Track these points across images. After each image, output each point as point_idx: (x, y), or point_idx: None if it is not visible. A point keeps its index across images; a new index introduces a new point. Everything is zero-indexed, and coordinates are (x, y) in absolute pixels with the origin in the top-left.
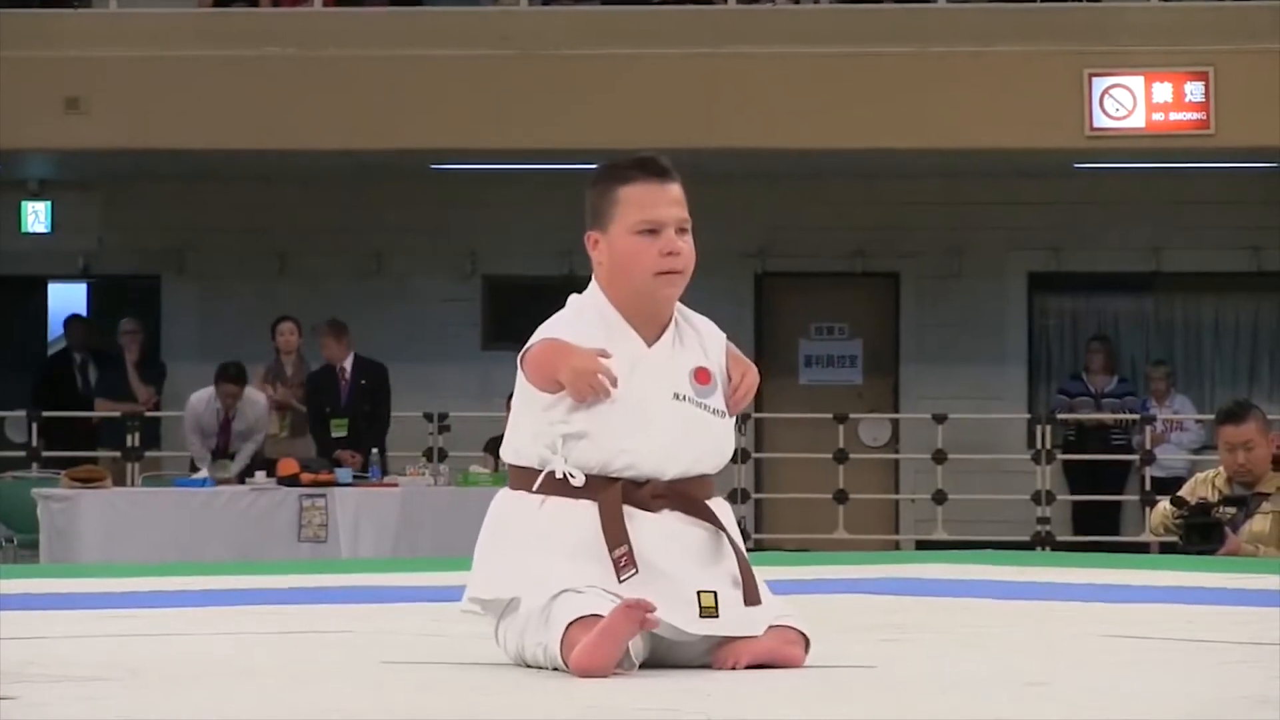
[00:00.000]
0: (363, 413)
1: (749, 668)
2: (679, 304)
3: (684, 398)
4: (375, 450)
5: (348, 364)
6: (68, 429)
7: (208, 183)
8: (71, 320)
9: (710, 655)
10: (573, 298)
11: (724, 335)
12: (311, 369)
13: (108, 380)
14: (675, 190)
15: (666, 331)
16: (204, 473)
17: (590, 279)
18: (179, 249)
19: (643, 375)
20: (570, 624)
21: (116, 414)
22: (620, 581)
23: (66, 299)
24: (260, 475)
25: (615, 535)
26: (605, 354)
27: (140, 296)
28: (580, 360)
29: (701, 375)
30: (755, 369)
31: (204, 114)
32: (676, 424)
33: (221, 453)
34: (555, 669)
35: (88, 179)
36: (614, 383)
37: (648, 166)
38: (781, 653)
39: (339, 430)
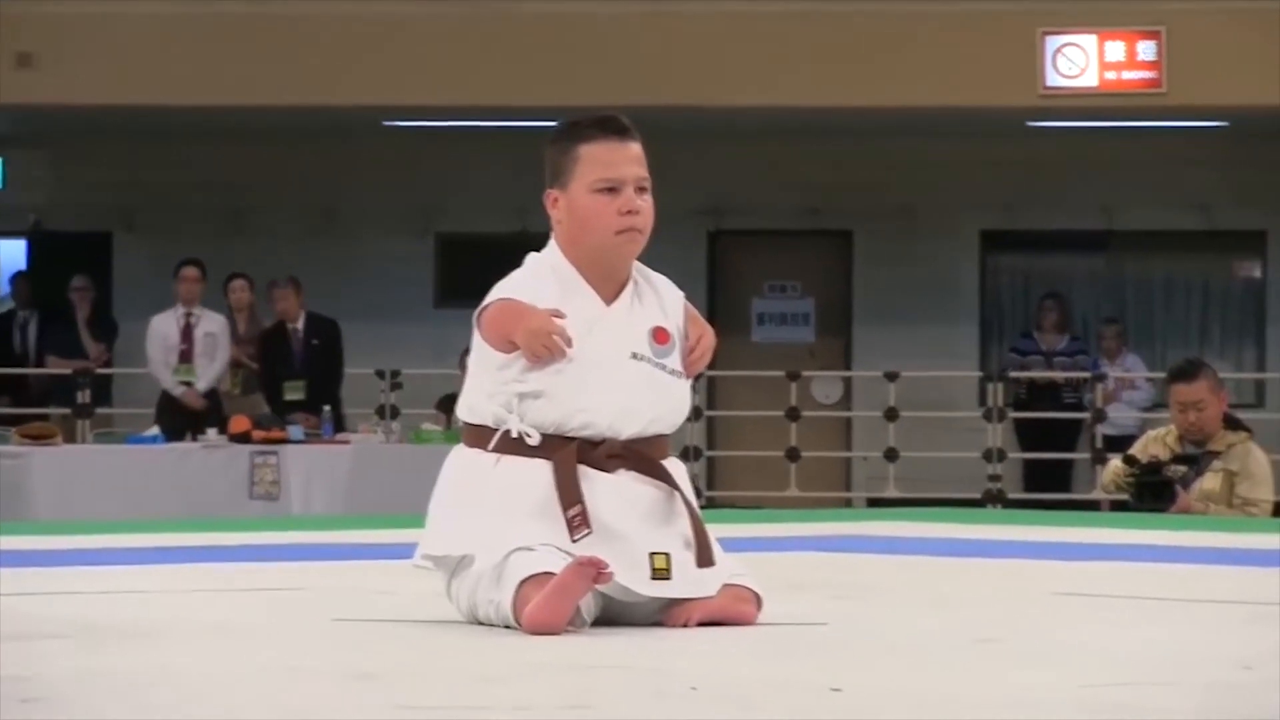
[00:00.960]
0: (317, 373)
1: (701, 625)
2: (638, 263)
3: (642, 357)
4: (327, 408)
5: (300, 323)
6: (18, 385)
7: (159, 139)
8: (16, 277)
9: (662, 614)
10: (530, 256)
11: (682, 295)
12: (264, 324)
13: (58, 337)
14: (635, 149)
15: (625, 290)
16: (171, 383)
17: (547, 237)
18: (130, 206)
19: (600, 334)
20: (523, 581)
21: (68, 371)
22: (573, 541)
23: (16, 256)
24: (212, 433)
25: (569, 495)
26: (560, 314)
27: (91, 254)
28: (535, 321)
29: (660, 335)
30: (712, 331)
31: (155, 70)
32: (634, 383)
33: (185, 360)
34: (507, 626)
35: (39, 136)
36: (569, 343)
37: (608, 125)
38: (733, 610)
39: (294, 393)
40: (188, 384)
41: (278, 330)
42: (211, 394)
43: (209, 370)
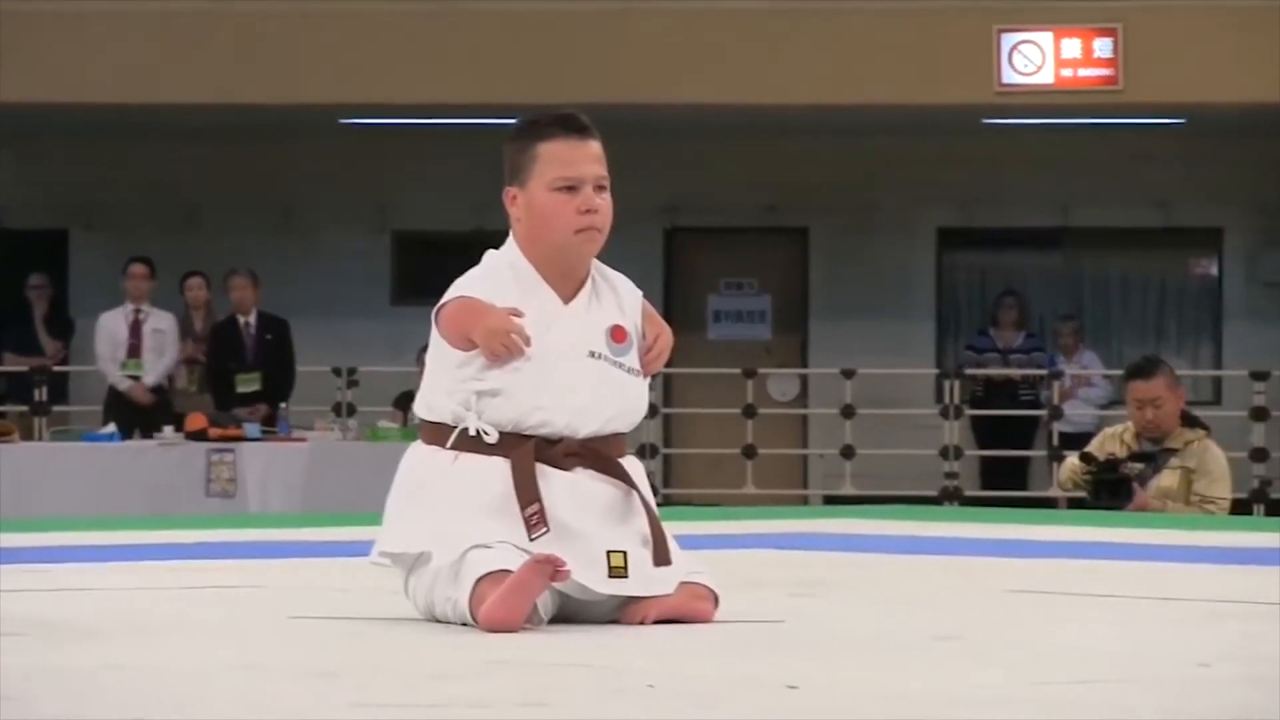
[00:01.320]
0: (271, 367)
1: (657, 623)
2: (596, 261)
3: (599, 355)
4: (284, 405)
5: (252, 318)
6: None
7: (116, 137)
8: None
9: (619, 612)
10: (488, 254)
11: (640, 293)
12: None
13: (16, 335)
14: (595, 147)
15: (584, 289)
16: (118, 378)
17: (504, 234)
18: (87, 204)
19: (558, 333)
20: (479, 579)
21: (24, 368)
22: (531, 540)
23: None
24: (168, 430)
25: (527, 493)
26: (518, 313)
27: (49, 251)
28: (494, 320)
29: (618, 333)
30: (670, 330)
31: (113, 69)
32: (591, 382)
33: (133, 355)
34: (465, 624)
35: None
36: (527, 342)
37: (568, 123)
38: (690, 608)
39: (249, 385)
40: (135, 378)
41: (229, 325)
42: (159, 390)
43: (157, 365)
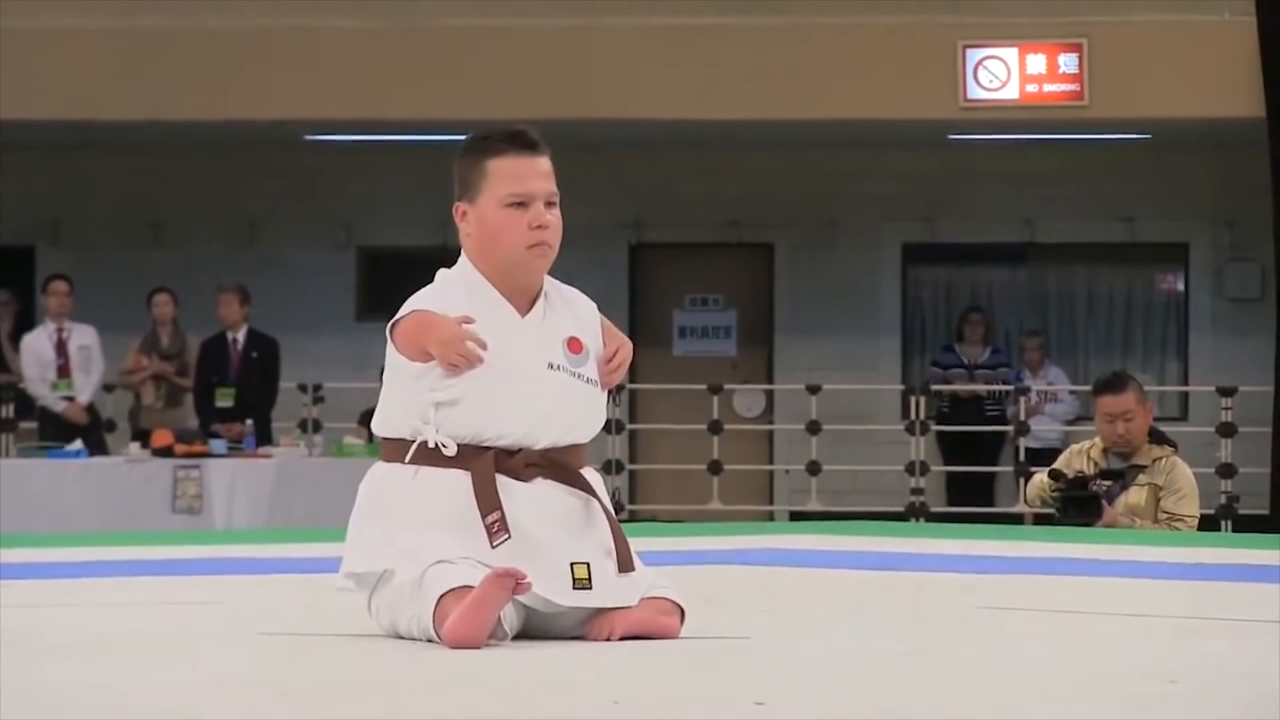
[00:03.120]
0: (250, 385)
1: (623, 639)
2: (549, 276)
3: (557, 366)
4: (250, 422)
5: (240, 334)
6: None
7: (81, 153)
8: None
9: (584, 626)
10: (440, 272)
11: (595, 306)
12: (187, 338)
13: None
14: (544, 163)
15: (538, 303)
16: (50, 400)
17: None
18: (53, 219)
19: (515, 344)
20: (442, 595)
21: None
22: (493, 547)
23: None
24: (134, 447)
25: (488, 501)
26: (470, 320)
27: (14, 267)
28: (446, 330)
29: (574, 344)
30: (629, 343)
31: (78, 85)
32: (549, 392)
33: (63, 375)
34: (429, 640)
35: None
36: (483, 346)
37: (517, 139)
38: (656, 623)
39: (225, 399)
40: (69, 399)
41: (218, 341)
42: (91, 406)
43: (87, 383)
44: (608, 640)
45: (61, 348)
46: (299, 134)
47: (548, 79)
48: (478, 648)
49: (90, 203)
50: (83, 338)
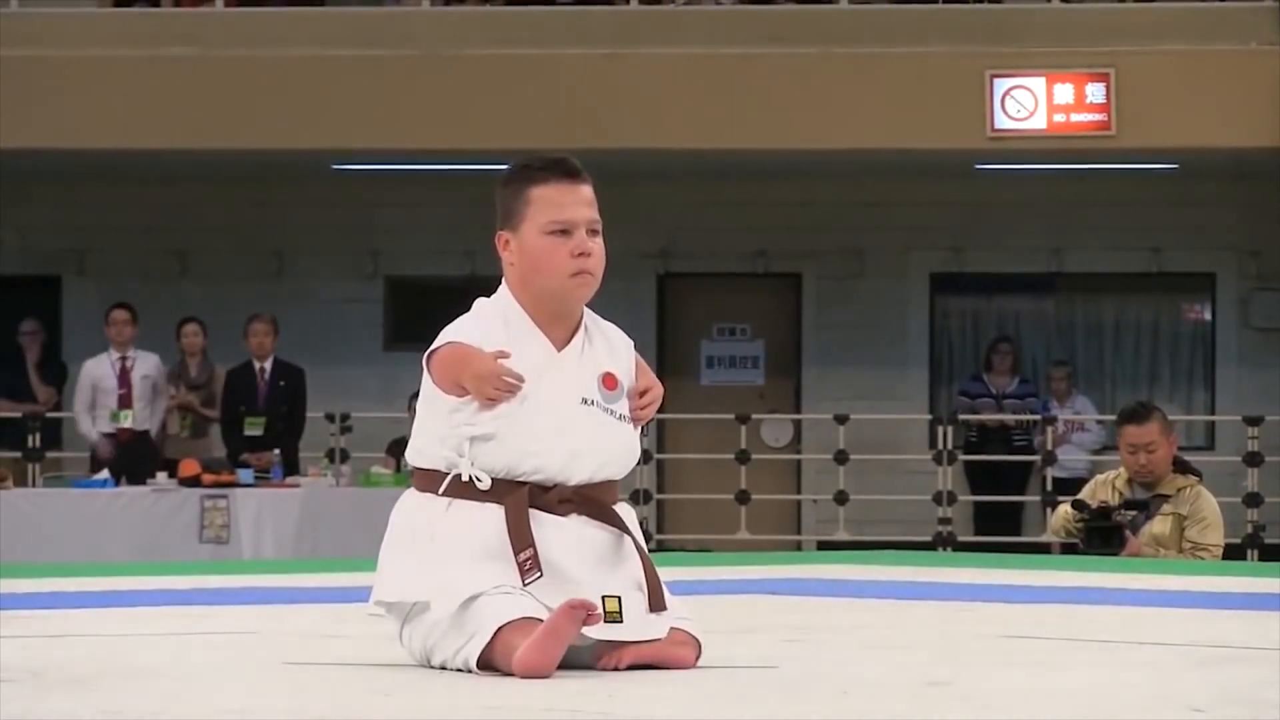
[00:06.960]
0: (279, 414)
1: (631, 668)
2: (588, 309)
3: (592, 402)
4: (277, 451)
5: (268, 364)
6: None
7: (108, 182)
8: None
9: (592, 656)
10: (479, 301)
11: (631, 343)
12: (215, 368)
13: (8, 381)
14: (587, 191)
15: (576, 335)
16: (89, 431)
17: (497, 280)
18: (80, 249)
19: (551, 379)
20: (501, 627)
21: (17, 414)
22: (524, 585)
23: None
24: (162, 476)
25: (520, 538)
26: (505, 354)
27: (41, 297)
28: (482, 365)
29: (609, 381)
30: (660, 386)
31: (105, 114)
32: (584, 428)
33: (124, 406)
34: (468, 671)
35: None
36: (520, 380)
37: (560, 167)
38: (668, 653)
39: (254, 429)
40: (122, 429)
41: (245, 370)
42: (145, 436)
43: (148, 412)
44: (615, 669)
45: (124, 376)
46: (327, 163)
47: (576, 109)
48: (547, 677)
49: (117, 232)
50: (145, 367)
